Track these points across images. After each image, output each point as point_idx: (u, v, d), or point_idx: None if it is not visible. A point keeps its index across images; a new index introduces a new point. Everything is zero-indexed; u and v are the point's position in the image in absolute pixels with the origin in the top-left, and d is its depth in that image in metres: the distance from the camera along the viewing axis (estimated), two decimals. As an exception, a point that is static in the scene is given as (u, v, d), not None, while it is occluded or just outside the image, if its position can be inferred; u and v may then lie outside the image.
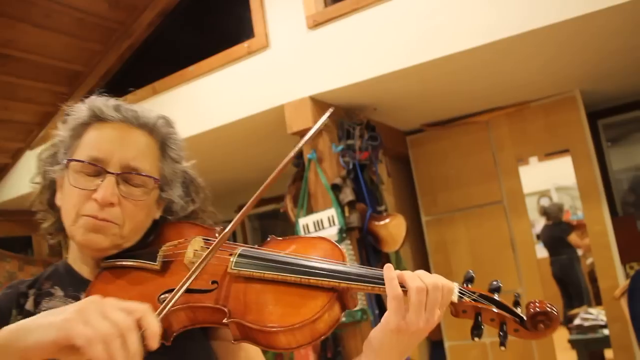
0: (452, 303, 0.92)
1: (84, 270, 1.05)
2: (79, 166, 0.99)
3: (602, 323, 4.10)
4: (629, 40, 2.91)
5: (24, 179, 4.39)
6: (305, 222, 3.00)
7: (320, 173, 3.02)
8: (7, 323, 0.88)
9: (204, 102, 3.36)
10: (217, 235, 1.05)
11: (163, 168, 1.07)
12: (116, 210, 0.98)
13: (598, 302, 4.62)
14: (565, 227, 5.84)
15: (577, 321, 4.36)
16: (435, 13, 2.71)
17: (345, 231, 2.92)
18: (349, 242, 2.93)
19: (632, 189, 4.66)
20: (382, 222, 3.05)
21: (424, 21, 2.73)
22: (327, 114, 1.10)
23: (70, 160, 1.00)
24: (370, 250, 3.07)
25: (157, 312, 0.79)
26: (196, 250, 0.99)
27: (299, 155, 3.19)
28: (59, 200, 1.05)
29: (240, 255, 0.96)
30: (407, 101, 3.43)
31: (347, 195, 2.95)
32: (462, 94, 3.48)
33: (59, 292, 1.02)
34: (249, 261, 0.95)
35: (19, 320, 0.88)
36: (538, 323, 0.88)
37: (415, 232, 4.02)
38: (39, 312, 0.91)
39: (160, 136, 1.08)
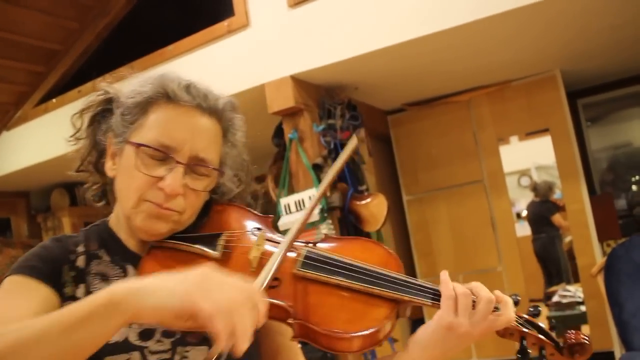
0: None
1: (130, 242, 1.03)
2: (146, 150, 0.95)
3: (580, 300, 4.17)
4: (609, 21, 2.93)
5: (1, 161, 4.33)
6: (286, 202, 3.00)
7: (301, 153, 3.01)
8: (60, 277, 0.95)
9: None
10: (272, 228, 1.06)
11: (224, 154, 1.05)
12: (180, 200, 0.96)
13: (576, 280, 4.70)
14: (551, 206, 5.89)
15: (555, 298, 4.44)
16: (416, -9, 2.69)
17: (327, 211, 2.93)
18: (330, 221, 2.93)
19: (610, 167, 4.72)
20: (363, 202, 3.06)
21: (404, 0, 2.72)
22: (354, 141, 1.12)
23: (140, 145, 0.95)
24: (352, 229, 3.08)
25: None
26: (260, 245, 0.98)
27: (280, 135, 3.18)
28: (110, 170, 1.02)
29: (306, 257, 0.96)
30: (389, 80, 3.42)
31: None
32: (443, 73, 3.48)
33: (105, 256, 1.01)
34: (315, 264, 0.95)
35: (71, 275, 0.95)
36: (575, 353, 0.95)
37: (397, 212, 4.04)
38: (90, 272, 0.98)
39: (226, 122, 1.05)
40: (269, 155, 3.30)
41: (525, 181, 6.50)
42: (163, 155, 0.95)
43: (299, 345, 1.10)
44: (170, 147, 0.95)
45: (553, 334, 0.97)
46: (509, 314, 0.92)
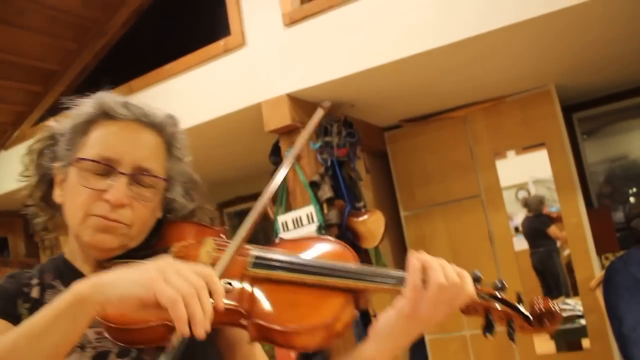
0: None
1: (85, 269, 1.04)
2: (88, 165, 0.98)
3: (579, 313, 4.16)
4: (602, 35, 2.95)
5: (-1, 180, 4.33)
6: (284, 219, 3.00)
7: (298, 170, 3.02)
8: (16, 309, 0.95)
9: (181, 101, 3.34)
10: (222, 236, 1.06)
11: (169, 167, 1.07)
12: (127, 211, 0.97)
13: (575, 293, 4.69)
14: (545, 219, 5.91)
15: (555, 312, 4.43)
16: (412, 10, 2.72)
17: (324, 228, 2.93)
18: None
19: (607, 181, 4.74)
20: (360, 219, 3.06)
21: (400, 18, 2.74)
22: (319, 113, 1.11)
23: (81, 159, 0.98)
24: (350, 246, 3.07)
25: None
26: (208, 251, 0.99)
27: (277, 153, 3.19)
28: (58, 197, 1.04)
29: (257, 257, 0.96)
30: (385, 97, 3.44)
31: (326, 192, 2.96)
32: (439, 89, 3.50)
33: (60, 286, 1.01)
34: (266, 262, 0.95)
35: (25, 307, 0.95)
36: (544, 321, 0.93)
37: (394, 228, 4.04)
38: (44, 301, 0.96)
39: (167, 135, 1.07)
40: (266, 174, 3.30)
41: (522, 194, 6.51)
42: (105, 167, 0.97)
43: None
44: (111, 159, 0.98)
45: (520, 306, 0.94)
46: (469, 289, 0.91)
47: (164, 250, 1.01)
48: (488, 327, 0.93)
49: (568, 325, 4.25)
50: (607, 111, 4.51)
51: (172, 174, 1.08)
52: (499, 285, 0.96)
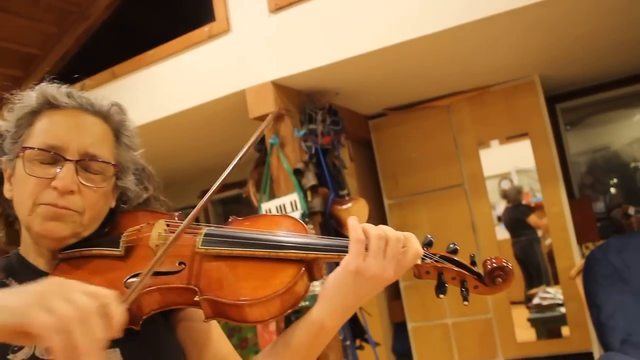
0: (415, 265, 0.95)
1: (39, 262, 1.02)
2: (34, 154, 0.96)
3: (560, 302, 4.21)
4: (588, 28, 2.97)
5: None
6: (267, 207, 3.00)
7: (282, 158, 3.01)
8: None
9: (165, 87, 3.30)
10: (176, 219, 1.05)
11: (118, 155, 1.05)
12: (76, 198, 0.96)
13: (556, 282, 4.75)
14: (524, 209, 5.97)
15: (535, 300, 4.48)
16: (396, -3, 2.71)
17: (308, 216, 2.93)
18: (311, 226, 2.94)
19: (589, 171, 4.79)
20: (344, 206, 3.07)
21: (386, 6, 2.74)
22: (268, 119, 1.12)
23: (25, 148, 0.96)
24: (333, 234, 3.08)
25: (124, 296, 0.78)
26: (160, 232, 0.98)
27: (261, 140, 3.18)
28: (8, 192, 1.02)
29: (206, 235, 0.97)
30: (369, 85, 3.43)
31: (310, 179, 2.95)
32: (424, 78, 3.50)
33: (14, 284, 0.99)
34: (216, 239, 0.96)
35: None
36: (496, 278, 0.94)
37: (378, 216, 4.06)
38: None
39: (114, 123, 1.06)
40: (250, 161, 3.30)
41: (506, 184, 6.56)
42: (52, 155, 0.96)
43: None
44: (56, 146, 0.96)
45: (473, 267, 0.96)
46: (415, 247, 0.93)
47: (116, 236, 1.01)
48: (440, 287, 0.94)
49: (548, 314, 4.31)
50: (590, 102, 4.55)
51: (122, 161, 1.06)
52: (452, 247, 0.98)
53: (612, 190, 4.86)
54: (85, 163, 0.98)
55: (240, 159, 1.06)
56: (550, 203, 3.74)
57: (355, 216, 0.95)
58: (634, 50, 3.58)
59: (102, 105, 1.04)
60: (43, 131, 0.98)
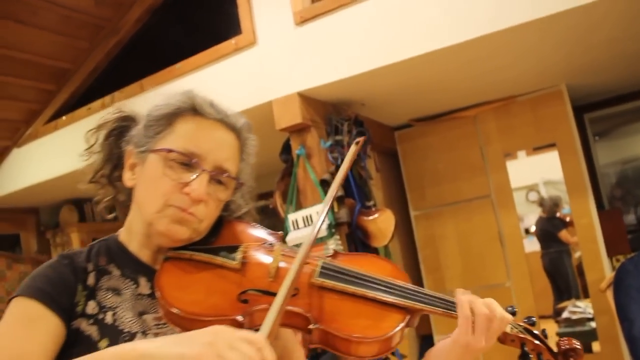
0: (503, 333, 1.02)
1: (143, 253, 1.06)
2: (175, 156, 1.00)
3: (590, 316, 4.14)
4: (610, 33, 2.93)
5: (11, 177, 4.37)
6: (294, 217, 3.01)
7: (309, 169, 3.02)
8: (73, 298, 0.96)
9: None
10: (279, 240, 1.11)
11: (240, 170, 1.11)
12: (202, 207, 1.00)
13: (586, 295, 4.67)
14: (558, 222, 5.89)
15: (565, 314, 4.41)
16: (422, 8, 2.72)
17: (335, 226, 2.93)
18: (338, 237, 2.94)
19: (619, 183, 4.71)
20: (370, 217, 3.06)
21: (411, 16, 2.74)
22: (353, 148, 1.16)
23: (169, 150, 1.00)
24: (360, 245, 3.08)
25: (263, 331, 0.82)
26: (277, 256, 1.03)
27: (288, 151, 3.20)
28: (129, 180, 1.06)
29: (323, 267, 1.02)
30: (395, 96, 3.44)
31: (336, 190, 2.96)
32: (450, 89, 3.49)
33: (115, 271, 1.04)
34: (332, 273, 1.01)
35: (84, 294, 0.97)
36: (569, 357, 1.03)
37: (404, 227, 4.04)
38: (101, 287, 1.00)
39: (243, 139, 1.10)
40: (276, 172, 3.31)
41: (533, 196, 6.49)
42: (190, 161, 1.00)
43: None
44: (196, 154, 1.00)
45: (547, 341, 1.05)
46: (507, 319, 1.01)
47: (231, 248, 1.04)
48: (524, 357, 1.03)
49: (578, 328, 4.23)
50: (619, 112, 4.48)
51: (242, 176, 1.11)
52: (530, 322, 1.06)
53: (644, 202, 4.77)
54: (216, 176, 1.03)
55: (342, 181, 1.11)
56: (579, 215, 3.68)
57: (462, 290, 1.01)
58: (664, 59, 3.53)
59: (237, 121, 1.08)
60: (185, 136, 1.02)
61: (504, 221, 3.80)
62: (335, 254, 1.10)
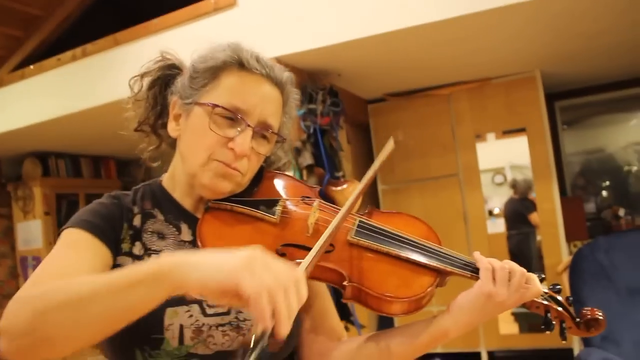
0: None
1: (185, 201, 1.08)
2: (220, 111, 1.00)
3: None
4: (591, 26, 2.97)
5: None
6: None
7: (280, 135, 3.01)
8: (119, 234, 1.01)
9: (167, 57, 3.28)
10: (317, 194, 1.12)
11: (282, 125, 1.11)
12: (245, 162, 1.02)
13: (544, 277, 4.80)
14: (529, 204, 5.96)
15: (520, 295, 4.52)
16: (404, -18, 2.70)
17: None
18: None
19: (582, 172, 4.82)
20: (339, 188, 3.07)
21: (393, -11, 2.73)
22: (390, 145, 1.15)
23: (216, 106, 1.00)
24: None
25: (301, 268, 0.83)
26: (315, 212, 1.03)
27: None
28: (174, 130, 1.07)
29: (359, 226, 1.03)
30: (371, 70, 3.43)
31: (306, 159, 2.96)
32: (426, 66, 3.50)
33: (159, 215, 1.06)
34: (367, 233, 1.02)
35: (129, 233, 1.02)
36: (591, 327, 1.04)
37: (371, 200, 4.08)
38: (146, 230, 1.04)
39: (286, 94, 1.10)
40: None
41: (499, 179, 6.58)
42: (235, 116, 1.00)
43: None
44: (242, 109, 1.00)
45: (571, 309, 1.05)
46: (538, 287, 1.00)
47: (271, 202, 1.06)
48: (547, 324, 1.03)
49: (532, 309, 4.35)
50: (589, 102, 4.57)
51: (284, 130, 1.12)
52: (556, 289, 1.07)
53: (604, 193, 4.89)
54: (260, 131, 1.03)
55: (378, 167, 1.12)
56: (542, 199, 3.77)
57: (477, 252, 1.03)
58: (636, 53, 3.60)
59: (282, 76, 1.07)
60: (231, 91, 1.01)
61: (470, 201, 3.87)
62: (371, 211, 1.11)
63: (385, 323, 4.08)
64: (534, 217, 5.89)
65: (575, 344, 3.54)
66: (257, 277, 0.71)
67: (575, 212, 4.22)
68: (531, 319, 4.36)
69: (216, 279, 0.72)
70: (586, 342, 3.03)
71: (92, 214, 1.00)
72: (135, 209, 1.05)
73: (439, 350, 3.91)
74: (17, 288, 4.77)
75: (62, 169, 4.89)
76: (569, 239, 3.96)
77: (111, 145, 4.80)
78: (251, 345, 0.71)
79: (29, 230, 4.69)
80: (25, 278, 4.72)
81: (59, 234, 0.98)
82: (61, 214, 4.86)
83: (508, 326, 4.13)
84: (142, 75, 1.12)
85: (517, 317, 4.43)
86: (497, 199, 6.33)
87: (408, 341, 1.02)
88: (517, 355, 3.82)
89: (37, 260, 4.62)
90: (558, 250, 3.67)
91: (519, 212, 5.98)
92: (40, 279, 0.85)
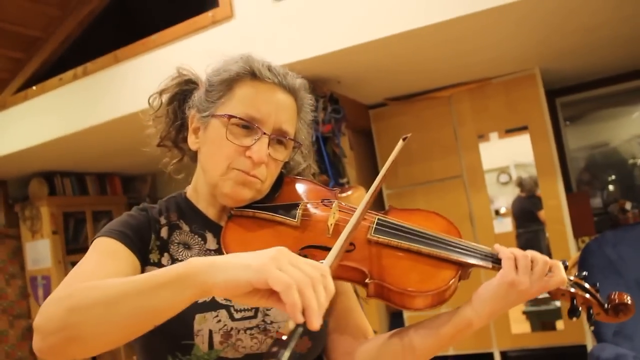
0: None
1: (209, 211, 1.13)
2: (235, 121, 1.04)
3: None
4: (587, 20, 2.98)
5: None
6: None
7: (283, 145, 3.02)
8: (148, 244, 1.04)
9: (167, 72, 3.28)
10: (337, 196, 1.15)
11: (298, 130, 1.14)
12: (263, 169, 1.05)
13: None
14: (537, 201, 5.95)
15: (531, 293, 4.50)
16: (400, -14, 2.72)
17: (308, 203, 2.95)
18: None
19: (587, 168, 4.80)
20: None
21: (388, -6, 2.74)
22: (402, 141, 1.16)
23: (231, 117, 1.04)
24: (332, 221, 3.10)
25: (327, 263, 0.84)
26: (335, 213, 1.06)
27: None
28: (194, 144, 1.11)
29: (378, 224, 1.05)
30: (371, 75, 3.44)
31: (310, 167, 2.97)
32: (425, 68, 3.51)
33: (185, 226, 1.10)
34: (387, 230, 1.04)
35: (157, 244, 1.05)
36: (619, 312, 1.03)
37: (376, 205, 4.06)
38: (173, 241, 1.07)
39: (300, 100, 1.14)
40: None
41: (504, 178, 6.57)
42: (251, 125, 1.04)
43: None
44: (256, 118, 1.04)
45: (598, 295, 1.04)
46: (562, 275, 0.99)
47: (291, 206, 1.09)
48: (573, 312, 1.03)
49: (544, 307, 4.33)
50: (591, 97, 4.56)
51: (300, 136, 1.15)
52: (582, 276, 1.06)
53: (610, 186, 4.88)
54: (276, 138, 1.07)
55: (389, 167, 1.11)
56: (547, 196, 3.76)
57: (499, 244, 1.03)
58: (634, 45, 3.60)
59: (295, 83, 1.11)
60: (246, 101, 1.06)
61: (475, 202, 3.86)
62: (390, 209, 1.13)
63: (396, 325, 4.07)
64: (543, 214, 5.88)
65: (589, 340, 3.52)
66: (285, 272, 0.73)
67: (581, 207, 4.21)
68: (543, 317, 4.35)
69: (245, 277, 0.73)
70: (599, 338, 3.02)
71: (122, 225, 1.04)
72: (162, 220, 1.10)
73: (452, 352, 3.90)
74: (28, 308, 4.80)
75: (68, 188, 4.91)
76: (577, 234, 3.95)
77: (115, 161, 4.82)
78: (285, 339, 0.71)
79: (38, 250, 4.71)
80: (36, 297, 4.74)
81: (90, 243, 1.02)
82: (69, 233, 4.88)
83: (520, 326, 4.12)
84: (161, 92, 1.17)
85: (529, 315, 4.42)
86: (503, 199, 6.32)
87: (432, 333, 1.03)
88: (530, 354, 3.80)
89: (47, 280, 4.64)
90: (566, 246, 3.66)
91: (527, 210, 5.96)
92: (72, 282, 0.88)
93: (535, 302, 4.40)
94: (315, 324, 0.71)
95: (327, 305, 0.75)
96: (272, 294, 0.73)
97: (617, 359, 2.63)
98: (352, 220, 0.96)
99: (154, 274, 0.79)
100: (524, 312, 4.47)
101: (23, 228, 4.83)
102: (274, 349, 0.70)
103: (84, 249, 1.03)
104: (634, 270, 3.08)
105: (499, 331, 3.80)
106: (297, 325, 0.71)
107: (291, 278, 0.72)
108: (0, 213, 4.94)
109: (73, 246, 4.80)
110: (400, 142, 1.17)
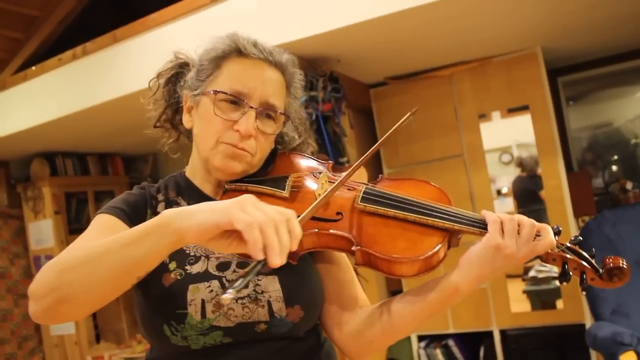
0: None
1: (205, 187, 1.18)
2: (223, 97, 1.09)
3: (555, 275, 4.25)
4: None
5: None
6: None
7: (282, 124, 3.01)
8: (144, 219, 1.05)
9: (167, 51, 3.27)
10: (329, 167, 1.19)
11: (288, 105, 1.19)
12: (252, 142, 1.09)
13: (552, 255, 4.78)
14: (539, 180, 5.94)
15: (531, 273, 4.52)
16: (399, -37, 2.69)
17: (307, 182, 2.95)
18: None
19: (590, 147, 4.79)
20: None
21: (388, -29, 2.72)
22: (410, 113, 1.19)
23: (217, 92, 1.09)
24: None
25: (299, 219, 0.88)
26: (323, 183, 1.10)
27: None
28: (187, 122, 1.17)
29: (365, 192, 1.08)
30: (371, 54, 3.42)
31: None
32: (426, 47, 3.49)
33: (183, 202, 1.16)
34: (374, 198, 1.06)
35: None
36: (614, 276, 1.02)
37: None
38: None
39: (288, 75, 1.18)
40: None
41: (506, 158, 6.56)
42: (237, 100, 1.09)
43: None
44: (243, 93, 1.09)
45: (593, 260, 1.03)
46: (550, 238, 1.00)
47: (281, 179, 1.13)
48: (564, 276, 1.02)
49: (544, 286, 4.35)
50: (593, 76, 4.53)
51: (290, 110, 1.19)
52: (576, 240, 1.06)
53: (613, 167, 4.86)
54: (264, 111, 1.11)
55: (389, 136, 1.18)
56: (548, 176, 3.76)
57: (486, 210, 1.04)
58: (636, 24, 3.56)
59: (282, 58, 1.16)
60: (232, 77, 1.10)
61: (476, 181, 3.86)
62: (381, 179, 1.15)
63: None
64: (544, 194, 5.87)
65: (587, 319, 3.54)
66: (248, 213, 0.78)
67: (582, 187, 4.20)
68: (543, 296, 4.37)
69: (212, 219, 0.78)
70: (597, 317, 3.04)
71: (120, 202, 1.11)
72: (160, 197, 1.16)
73: (452, 330, 3.93)
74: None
75: (69, 168, 4.92)
76: (577, 214, 3.96)
77: (117, 141, 4.83)
78: (244, 272, 0.77)
79: (40, 230, 4.73)
80: (39, 277, 4.77)
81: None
82: (71, 213, 4.91)
83: (519, 304, 4.14)
84: (159, 76, 1.22)
85: (529, 295, 4.44)
86: (505, 178, 6.31)
87: (419, 299, 1.05)
88: (529, 332, 3.82)
89: (50, 259, 4.67)
90: (566, 226, 3.66)
91: (529, 190, 5.95)
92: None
93: (536, 281, 4.42)
94: (276, 261, 0.75)
95: (295, 248, 0.80)
96: (241, 238, 0.78)
97: (614, 336, 2.65)
98: (339, 180, 1.01)
99: (132, 229, 0.85)
100: (524, 292, 4.49)
101: (25, 208, 4.85)
102: (233, 280, 0.77)
103: (86, 229, 1.08)
104: (632, 249, 3.09)
105: (499, 310, 3.83)
106: (258, 262, 0.77)
107: (253, 218, 0.77)
108: (2, 194, 4.96)
109: (75, 226, 4.82)
110: (408, 115, 1.18)
